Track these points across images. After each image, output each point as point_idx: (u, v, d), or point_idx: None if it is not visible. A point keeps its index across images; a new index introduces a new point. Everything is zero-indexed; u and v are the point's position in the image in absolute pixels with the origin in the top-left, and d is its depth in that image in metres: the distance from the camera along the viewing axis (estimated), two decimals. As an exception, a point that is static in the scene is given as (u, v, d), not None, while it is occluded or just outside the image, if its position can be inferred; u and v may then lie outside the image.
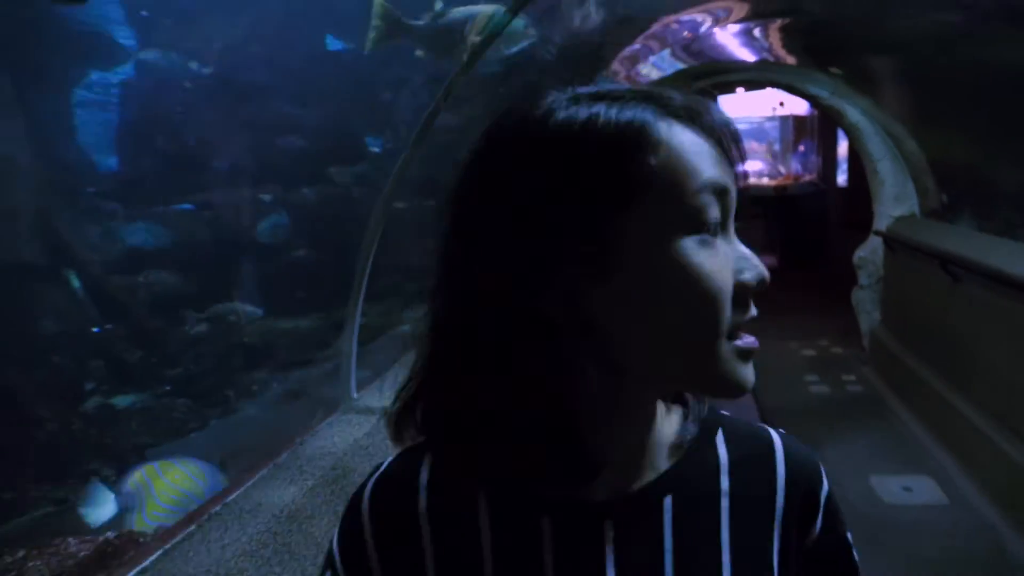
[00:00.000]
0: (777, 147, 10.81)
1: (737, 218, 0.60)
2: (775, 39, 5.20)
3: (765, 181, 10.24)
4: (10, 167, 3.12)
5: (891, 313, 5.46)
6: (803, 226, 9.51)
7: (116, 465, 2.67)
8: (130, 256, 3.61)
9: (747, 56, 5.65)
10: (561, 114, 0.56)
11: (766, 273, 0.57)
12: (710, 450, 0.66)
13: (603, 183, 0.54)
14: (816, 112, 8.78)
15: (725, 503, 0.64)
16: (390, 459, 0.68)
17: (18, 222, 2.96)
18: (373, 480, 0.67)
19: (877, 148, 5.64)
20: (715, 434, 0.67)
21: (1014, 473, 3.17)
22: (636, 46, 4.99)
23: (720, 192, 0.56)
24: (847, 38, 4.70)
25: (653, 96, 0.58)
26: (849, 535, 0.70)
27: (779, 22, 4.82)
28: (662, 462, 0.64)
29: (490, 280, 0.55)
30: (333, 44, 2.72)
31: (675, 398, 0.68)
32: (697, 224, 0.55)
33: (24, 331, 2.99)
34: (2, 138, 3.08)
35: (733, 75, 6.86)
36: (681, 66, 5.93)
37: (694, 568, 0.61)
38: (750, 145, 10.97)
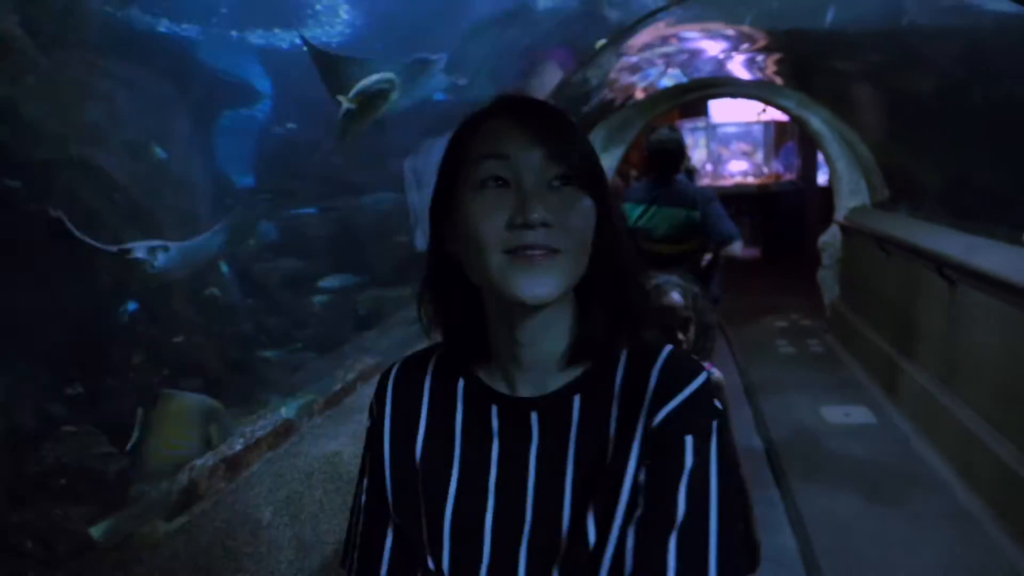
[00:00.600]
0: (760, 149, 11.50)
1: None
2: (771, 65, 6.17)
3: (750, 180, 10.84)
4: (187, 183, 4.30)
5: (846, 287, 6.50)
6: (784, 221, 10.22)
7: (282, 396, 3.86)
8: (265, 249, 4.80)
9: (742, 75, 6.55)
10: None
11: (527, 215, 0.70)
12: (616, 358, 0.79)
13: (452, 161, 0.78)
14: (795, 118, 9.64)
15: (615, 400, 0.77)
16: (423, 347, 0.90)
17: (196, 224, 4.13)
18: (402, 359, 0.90)
19: (835, 151, 6.61)
20: (622, 348, 0.80)
21: (925, 398, 4.24)
22: (635, 59, 5.91)
23: (499, 157, 0.73)
24: (813, 65, 5.80)
25: (495, 100, 0.79)
26: (690, 440, 0.71)
27: (778, 55, 5.85)
28: (579, 369, 0.79)
29: (431, 232, 0.82)
30: (437, 96, 3.86)
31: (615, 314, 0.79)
32: (478, 181, 0.74)
33: (203, 303, 4.17)
34: (183, 159, 4.26)
35: (723, 89, 7.78)
36: (685, 80, 6.83)
37: (585, 453, 0.76)
38: (737, 146, 11.39)
